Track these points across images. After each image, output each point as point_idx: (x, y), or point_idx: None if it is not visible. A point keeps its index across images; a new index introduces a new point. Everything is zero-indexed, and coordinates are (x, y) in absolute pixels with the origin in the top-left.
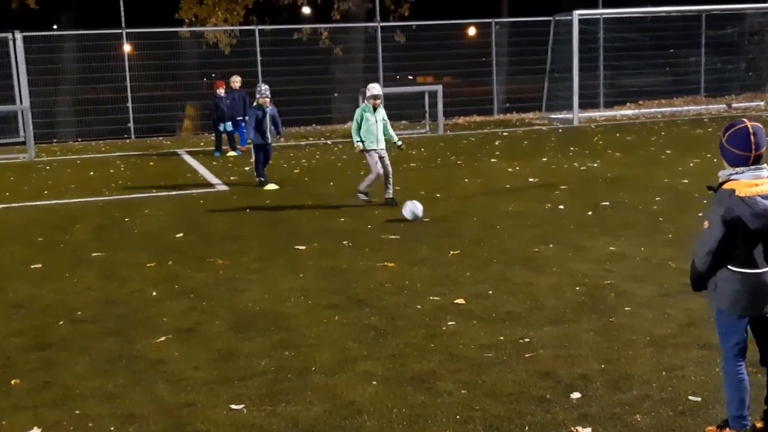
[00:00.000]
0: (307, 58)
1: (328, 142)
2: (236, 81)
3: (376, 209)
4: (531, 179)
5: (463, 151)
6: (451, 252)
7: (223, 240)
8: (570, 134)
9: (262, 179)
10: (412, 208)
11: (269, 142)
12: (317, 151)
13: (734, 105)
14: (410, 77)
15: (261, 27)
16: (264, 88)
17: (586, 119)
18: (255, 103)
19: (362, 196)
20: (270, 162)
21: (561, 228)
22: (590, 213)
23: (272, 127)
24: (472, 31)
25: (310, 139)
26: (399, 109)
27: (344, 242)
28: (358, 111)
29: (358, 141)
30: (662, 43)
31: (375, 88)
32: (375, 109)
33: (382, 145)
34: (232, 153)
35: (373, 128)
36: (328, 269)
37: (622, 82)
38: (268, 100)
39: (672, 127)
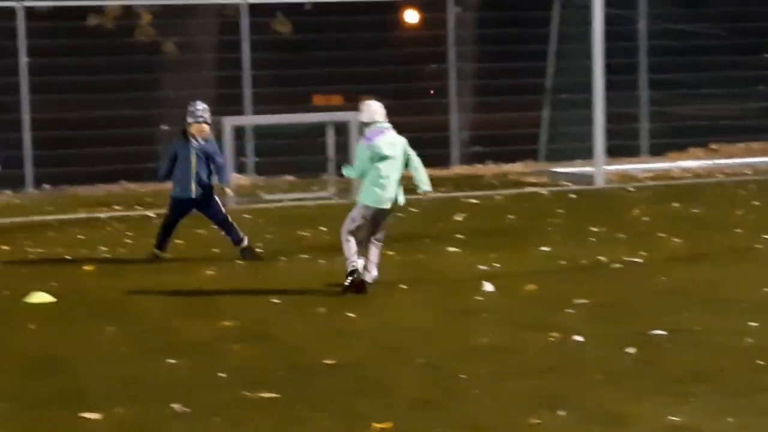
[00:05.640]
0: (113, 60)
1: (150, 213)
2: None
3: (232, 336)
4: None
5: (396, 234)
6: (375, 424)
7: None
8: (591, 203)
9: (159, 253)
10: None
11: (195, 196)
12: (127, 228)
13: None
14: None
15: (28, 3)
16: (201, 108)
17: (619, 176)
18: (182, 135)
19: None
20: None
21: (578, 379)
22: (631, 351)
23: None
24: (413, 17)
25: (116, 207)
26: (277, 155)
27: (173, 405)
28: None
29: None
30: (756, 41)
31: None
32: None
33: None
34: None
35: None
36: None
37: (681, 111)
38: (207, 128)
39: None
